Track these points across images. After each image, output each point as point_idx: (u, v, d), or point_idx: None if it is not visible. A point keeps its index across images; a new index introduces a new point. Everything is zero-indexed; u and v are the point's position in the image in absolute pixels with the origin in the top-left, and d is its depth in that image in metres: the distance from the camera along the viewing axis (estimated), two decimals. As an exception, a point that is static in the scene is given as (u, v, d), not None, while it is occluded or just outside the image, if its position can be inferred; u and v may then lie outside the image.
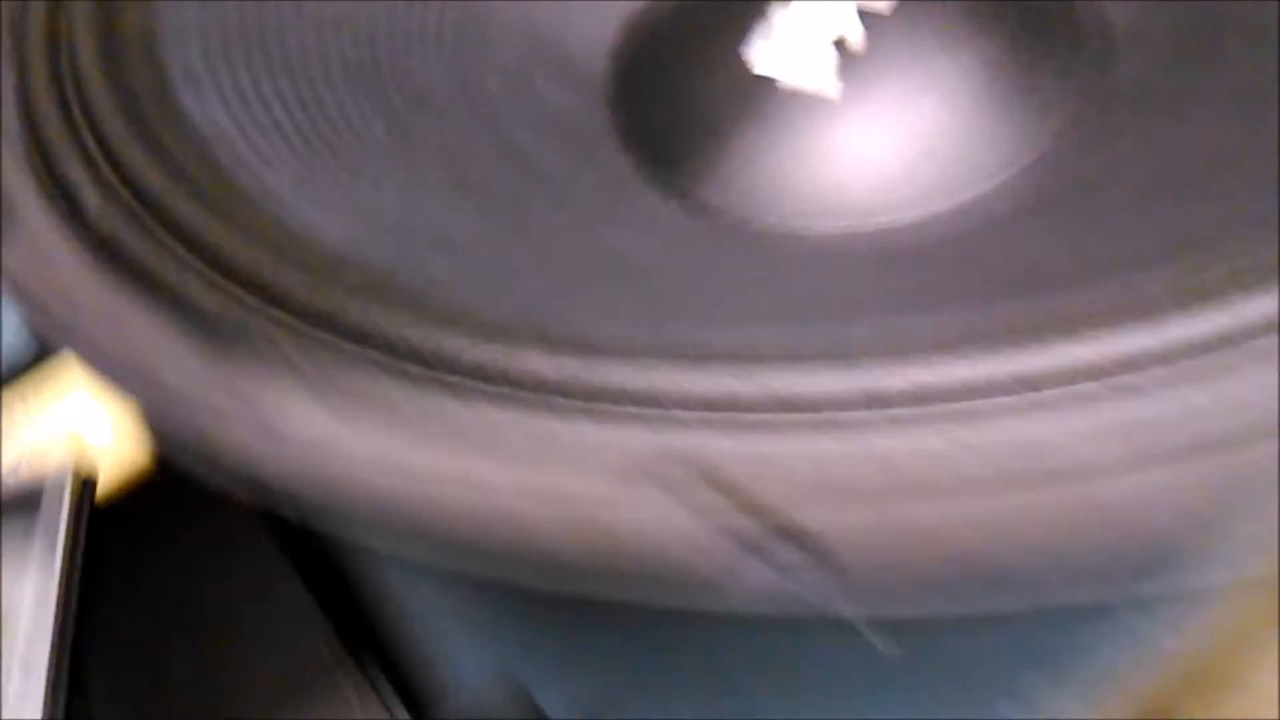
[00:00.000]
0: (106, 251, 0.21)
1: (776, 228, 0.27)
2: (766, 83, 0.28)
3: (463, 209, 0.25)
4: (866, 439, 0.17)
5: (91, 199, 0.22)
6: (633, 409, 0.17)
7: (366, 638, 0.30)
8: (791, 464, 0.17)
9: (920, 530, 0.16)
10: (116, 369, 0.20)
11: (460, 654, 0.30)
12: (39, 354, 0.34)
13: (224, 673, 0.30)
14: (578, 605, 0.30)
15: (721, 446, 0.17)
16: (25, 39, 0.24)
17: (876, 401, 0.17)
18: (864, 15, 0.28)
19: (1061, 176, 0.25)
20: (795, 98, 0.28)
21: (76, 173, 0.22)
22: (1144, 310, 0.17)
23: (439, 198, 0.25)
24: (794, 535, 0.15)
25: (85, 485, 0.32)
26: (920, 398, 0.17)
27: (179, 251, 0.21)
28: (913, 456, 0.17)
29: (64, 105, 0.23)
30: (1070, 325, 0.17)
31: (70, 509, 0.31)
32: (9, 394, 0.35)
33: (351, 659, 0.29)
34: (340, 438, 0.18)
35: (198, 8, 0.25)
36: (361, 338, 0.19)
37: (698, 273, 0.25)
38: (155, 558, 0.32)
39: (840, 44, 0.28)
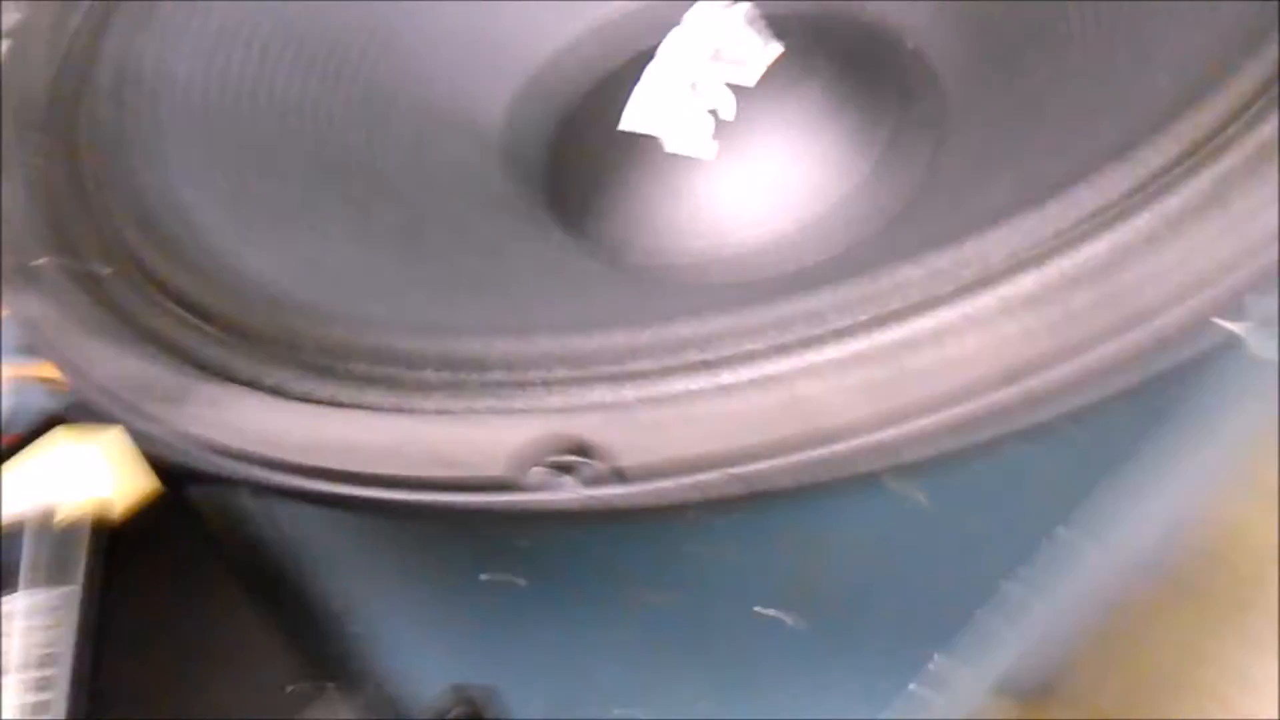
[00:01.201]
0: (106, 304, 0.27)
1: (654, 271, 0.32)
2: (652, 145, 0.34)
3: (381, 248, 0.30)
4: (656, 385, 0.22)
5: (96, 263, 0.28)
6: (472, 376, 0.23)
7: (335, 665, 0.34)
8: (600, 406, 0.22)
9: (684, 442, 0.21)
10: (109, 394, 0.25)
11: (417, 670, 0.34)
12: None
13: (208, 702, 0.33)
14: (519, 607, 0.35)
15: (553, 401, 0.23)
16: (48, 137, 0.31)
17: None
18: (734, 87, 0.34)
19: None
20: (678, 159, 0.33)
21: (87, 244, 0.28)
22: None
23: (361, 241, 0.30)
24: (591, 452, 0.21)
25: (97, 523, 0.37)
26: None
27: (158, 298, 0.27)
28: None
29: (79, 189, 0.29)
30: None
31: (86, 542, 0.36)
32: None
33: (321, 688, 0.32)
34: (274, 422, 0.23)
35: (181, 112, 0.31)
36: (274, 343, 0.25)
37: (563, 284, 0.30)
38: (154, 591, 0.35)
39: (714, 112, 0.34)
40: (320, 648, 0.35)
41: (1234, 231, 0.21)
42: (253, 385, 0.24)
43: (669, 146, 0.33)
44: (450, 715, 0.32)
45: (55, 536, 0.37)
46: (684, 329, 0.22)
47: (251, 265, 0.28)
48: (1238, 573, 0.84)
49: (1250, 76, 0.23)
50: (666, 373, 0.22)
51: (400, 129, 0.34)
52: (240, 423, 0.23)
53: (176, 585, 0.36)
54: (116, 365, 0.25)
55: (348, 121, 0.34)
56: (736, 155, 0.33)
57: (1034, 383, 0.20)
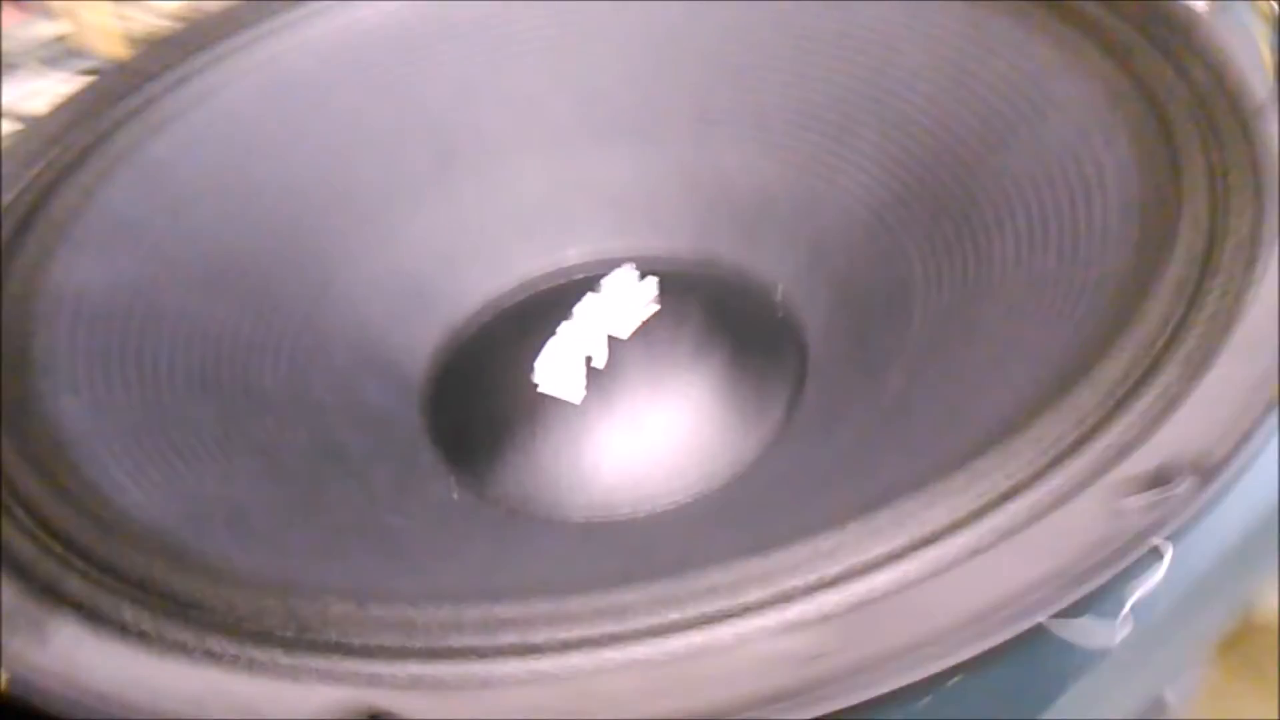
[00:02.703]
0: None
1: (540, 517, 0.33)
2: (546, 398, 0.36)
3: (266, 490, 0.31)
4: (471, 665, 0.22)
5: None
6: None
7: None
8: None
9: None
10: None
11: None
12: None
13: None
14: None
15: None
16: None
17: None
18: (612, 341, 0.36)
19: (749, 487, 0.32)
20: (567, 409, 0.35)
21: None
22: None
23: (248, 482, 0.31)
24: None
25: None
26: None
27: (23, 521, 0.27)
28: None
29: None
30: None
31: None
32: None
33: None
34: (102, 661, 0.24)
35: (68, 326, 0.33)
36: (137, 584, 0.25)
37: (453, 548, 0.31)
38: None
39: (600, 367, 0.35)
40: None
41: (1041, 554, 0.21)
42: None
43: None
44: None
45: None
46: (504, 611, 0.23)
47: (134, 499, 0.28)
48: None
49: (1082, 400, 0.24)
50: (483, 655, 0.22)
51: (327, 368, 0.36)
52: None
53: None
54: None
55: (271, 358, 0.35)
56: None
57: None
